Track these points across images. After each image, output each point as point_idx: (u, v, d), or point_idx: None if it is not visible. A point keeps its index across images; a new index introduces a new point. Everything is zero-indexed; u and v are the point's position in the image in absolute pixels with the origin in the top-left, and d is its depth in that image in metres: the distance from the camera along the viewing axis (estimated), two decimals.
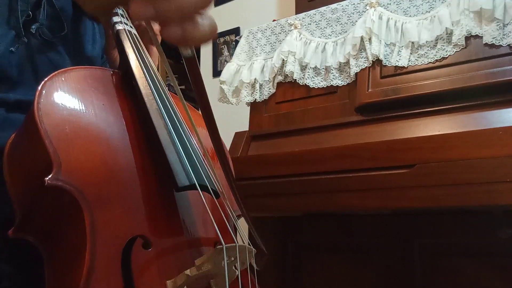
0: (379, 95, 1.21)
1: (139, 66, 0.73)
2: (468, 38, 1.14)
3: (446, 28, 1.17)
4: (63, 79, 0.60)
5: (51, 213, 0.56)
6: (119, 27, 0.78)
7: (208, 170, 0.69)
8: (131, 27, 0.82)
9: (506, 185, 0.92)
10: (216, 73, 2.49)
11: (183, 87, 3.79)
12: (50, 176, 0.52)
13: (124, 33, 0.77)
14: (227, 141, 1.21)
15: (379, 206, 1.07)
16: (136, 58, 0.74)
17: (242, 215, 0.72)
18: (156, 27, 0.77)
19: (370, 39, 1.25)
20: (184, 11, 0.41)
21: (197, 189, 0.63)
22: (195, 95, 0.51)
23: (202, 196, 0.64)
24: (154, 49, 0.94)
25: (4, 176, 0.58)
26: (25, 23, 0.73)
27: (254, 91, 1.47)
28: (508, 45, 1.08)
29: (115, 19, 0.80)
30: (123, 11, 0.86)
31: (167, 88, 0.79)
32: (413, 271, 1.33)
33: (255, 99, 1.46)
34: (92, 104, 0.61)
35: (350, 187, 1.10)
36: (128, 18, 0.85)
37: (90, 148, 0.58)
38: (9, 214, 0.58)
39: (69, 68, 0.63)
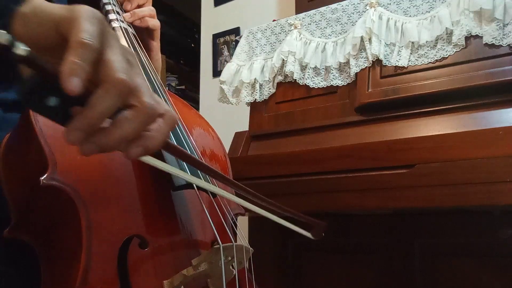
0: (379, 95, 1.21)
1: None
2: (468, 38, 1.14)
3: (446, 28, 1.16)
4: None
5: (47, 213, 0.56)
6: (114, 24, 0.78)
7: None
8: (128, 25, 0.82)
9: (506, 185, 0.91)
10: (216, 73, 2.49)
11: (183, 87, 3.80)
12: (45, 176, 0.51)
13: (120, 30, 0.77)
14: (227, 141, 1.21)
15: (379, 206, 1.07)
16: None
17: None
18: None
19: (370, 39, 1.25)
20: (128, 138, 0.41)
21: (193, 188, 0.63)
22: None
23: (198, 195, 0.64)
24: (155, 44, 0.94)
25: (0, 176, 0.58)
26: None
27: (254, 91, 1.47)
28: (508, 45, 1.08)
29: (111, 16, 0.80)
30: (119, 8, 0.86)
31: (166, 88, 0.79)
32: (413, 271, 1.32)
33: (255, 99, 1.46)
34: None
35: (350, 187, 1.10)
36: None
37: None
38: (5, 214, 0.58)
39: None
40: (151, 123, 0.43)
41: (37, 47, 0.42)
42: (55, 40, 0.43)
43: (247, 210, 0.72)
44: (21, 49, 0.35)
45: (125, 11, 0.87)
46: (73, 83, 0.37)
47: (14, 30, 0.44)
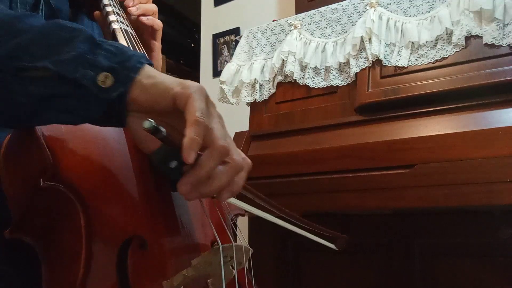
0: (379, 95, 1.21)
1: None
2: (468, 38, 1.14)
3: (446, 28, 1.16)
4: None
5: (47, 213, 0.56)
6: (115, 25, 0.78)
7: None
8: (127, 26, 0.82)
9: (506, 185, 0.91)
10: (216, 73, 2.49)
11: None
12: (46, 176, 0.51)
13: (120, 31, 0.77)
14: None
15: (379, 206, 1.07)
16: None
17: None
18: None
19: (370, 39, 1.25)
20: (223, 188, 0.54)
21: None
22: None
23: None
24: (157, 45, 0.94)
25: (0, 177, 0.58)
26: None
27: (254, 91, 1.47)
28: (508, 45, 1.08)
29: (111, 18, 0.80)
30: (119, 9, 0.86)
31: None
32: (413, 271, 1.32)
33: (255, 99, 1.46)
34: None
35: (350, 187, 1.10)
36: (124, 17, 0.85)
37: (86, 148, 0.58)
38: (5, 215, 0.58)
39: None
40: (238, 174, 0.55)
41: (150, 111, 0.52)
42: (168, 108, 0.52)
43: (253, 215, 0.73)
44: (164, 131, 0.47)
45: (127, 7, 0.87)
46: (191, 155, 0.48)
47: (132, 95, 0.52)
